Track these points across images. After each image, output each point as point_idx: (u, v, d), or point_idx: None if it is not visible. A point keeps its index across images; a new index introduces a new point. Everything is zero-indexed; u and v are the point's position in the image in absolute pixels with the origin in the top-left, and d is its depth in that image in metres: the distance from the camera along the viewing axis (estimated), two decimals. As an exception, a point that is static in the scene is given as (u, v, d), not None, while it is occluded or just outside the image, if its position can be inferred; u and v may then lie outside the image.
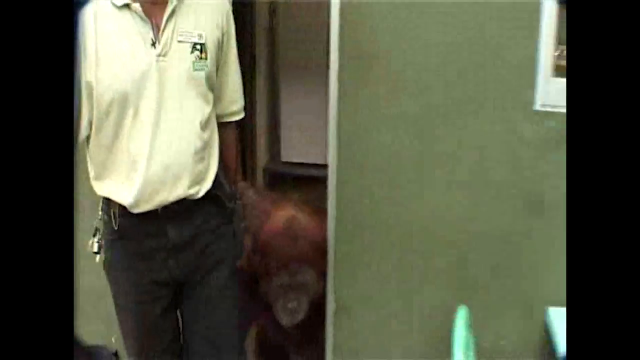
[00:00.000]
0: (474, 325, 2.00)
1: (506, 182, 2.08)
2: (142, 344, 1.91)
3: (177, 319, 1.94)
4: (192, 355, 1.95)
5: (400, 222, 2.17)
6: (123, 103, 1.62)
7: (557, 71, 2.05)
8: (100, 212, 1.80)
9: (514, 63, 2.00)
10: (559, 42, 2.13)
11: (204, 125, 1.74)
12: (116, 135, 1.66)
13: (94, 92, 1.59)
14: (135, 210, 1.70)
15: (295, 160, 4.85)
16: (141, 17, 1.62)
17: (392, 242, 2.19)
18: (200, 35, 1.70)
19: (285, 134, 4.90)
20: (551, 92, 2.02)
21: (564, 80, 2.03)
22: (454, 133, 2.07)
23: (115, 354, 2.49)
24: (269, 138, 4.91)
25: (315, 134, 4.56)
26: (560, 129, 2.00)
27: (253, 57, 4.40)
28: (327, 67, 2.13)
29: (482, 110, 2.03)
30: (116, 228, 1.74)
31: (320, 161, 4.43)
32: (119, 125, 1.65)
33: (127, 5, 1.61)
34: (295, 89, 4.76)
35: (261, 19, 4.57)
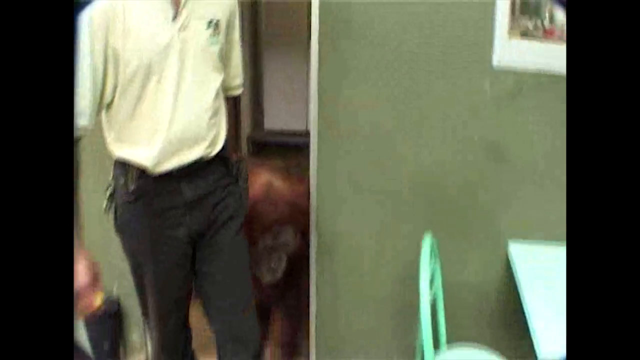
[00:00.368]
0: (441, 259, 2.20)
1: (469, 132, 2.28)
2: (158, 299, 1.97)
3: (191, 275, 2.01)
4: (208, 306, 2.05)
5: (374, 171, 2.37)
6: (147, 70, 1.70)
7: (512, 34, 2.26)
8: (112, 179, 1.87)
9: (473, 26, 2.20)
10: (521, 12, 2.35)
11: (217, 95, 1.86)
12: (140, 100, 1.73)
13: (121, 60, 1.67)
14: (155, 171, 1.78)
15: (277, 128, 4.97)
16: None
17: (367, 187, 2.40)
18: (214, 13, 1.80)
19: (268, 103, 5.01)
20: (507, 52, 2.23)
21: (518, 41, 2.26)
22: (422, 91, 2.26)
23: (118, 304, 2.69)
24: (253, 107, 4.97)
25: (296, 103, 4.73)
26: (515, 84, 2.21)
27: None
28: (309, 37, 2.28)
29: (446, 69, 2.22)
30: (133, 189, 1.80)
31: (301, 128, 4.61)
32: (142, 90, 1.72)
33: None
34: (277, 59, 4.86)
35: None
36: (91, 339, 2.59)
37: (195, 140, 1.81)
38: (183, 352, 2.15)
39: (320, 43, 2.28)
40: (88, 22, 1.58)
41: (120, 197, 1.85)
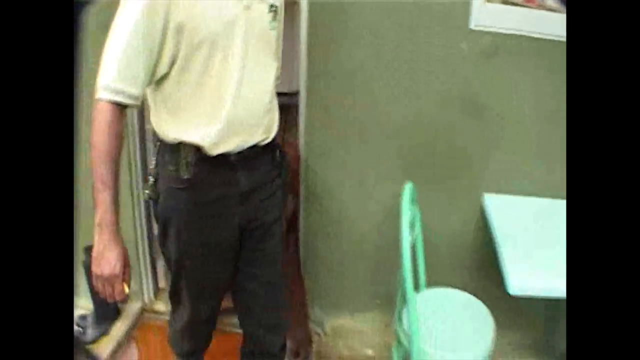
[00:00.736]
0: (420, 207, 2.32)
1: (448, 88, 2.40)
2: (198, 287, 1.95)
3: (233, 268, 1.97)
4: (243, 304, 2.06)
5: (359, 126, 2.50)
6: (213, 44, 1.63)
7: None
8: (155, 166, 1.80)
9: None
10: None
11: (274, 80, 1.84)
12: (203, 73, 1.65)
13: (185, 30, 1.59)
14: (213, 152, 1.71)
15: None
16: None
17: (353, 142, 2.53)
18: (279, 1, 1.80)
19: None
20: (483, 14, 2.35)
21: (494, 5, 2.37)
22: (405, 50, 2.37)
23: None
24: None
25: (285, 65, 4.81)
26: (491, 44, 2.34)
27: None
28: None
29: (427, 31, 2.34)
30: (187, 177, 1.72)
31: (290, 89, 4.74)
32: (206, 65, 1.64)
33: None
34: None
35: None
36: (90, 286, 2.65)
37: (255, 125, 1.76)
38: (206, 338, 2.17)
39: (310, 7, 2.38)
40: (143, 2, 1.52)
41: (166, 183, 1.76)
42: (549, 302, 2.55)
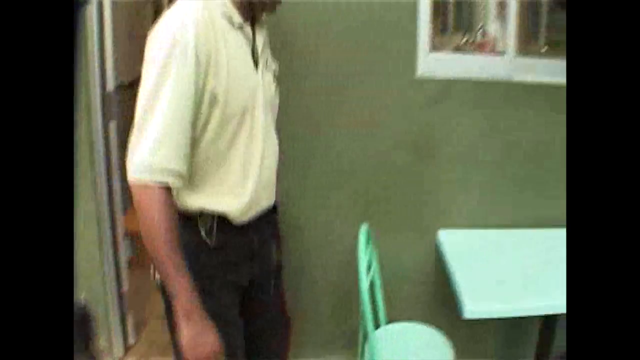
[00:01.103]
0: (378, 247, 2.43)
1: (400, 131, 2.57)
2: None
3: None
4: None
5: (316, 170, 2.61)
6: (242, 114, 1.62)
7: (436, 48, 2.62)
8: None
9: (400, 42, 2.51)
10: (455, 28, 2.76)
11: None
12: (232, 144, 1.62)
13: (218, 102, 1.55)
14: (238, 220, 1.68)
15: None
16: (248, 39, 1.67)
17: (311, 184, 2.64)
18: (275, 69, 1.83)
19: None
20: (429, 63, 2.56)
21: (438, 54, 2.61)
22: (358, 97, 2.53)
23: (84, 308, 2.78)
24: None
25: None
26: (436, 91, 2.54)
27: None
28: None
29: (378, 79, 2.51)
30: (213, 244, 1.66)
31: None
32: (235, 135, 1.62)
33: (241, 27, 1.64)
34: None
35: None
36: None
37: (272, 190, 1.78)
38: None
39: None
40: (184, 62, 1.45)
41: (189, 250, 1.61)
42: (504, 328, 2.68)
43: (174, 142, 1.45)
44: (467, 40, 4.72)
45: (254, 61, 1.67)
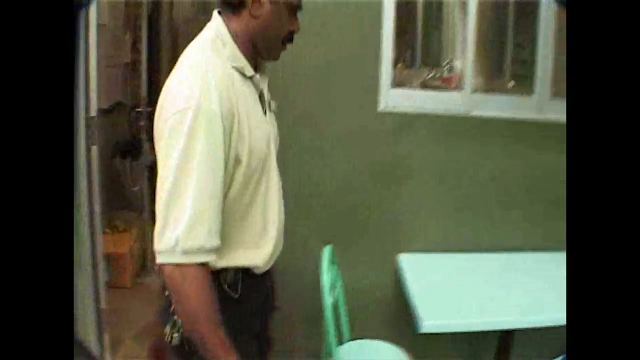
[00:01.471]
0: (344, 265, 2.60)
1: (364, 161, 2.77)
2: None
3: None
4: None
5: (286, 192, 2.68)
6: (261, 169, 1.57)
7: (394, 84, 2.82)
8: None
9: (364, 79, 2.73)
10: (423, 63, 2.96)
11: None
12: (253, 198, 1.57)
13: (242, 162, 1.49)
14: (261, 271, 1.64)
15: None
16: (257, 87, 1.61)
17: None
18: (274, 105, 1.78)
19: None
20: (390, 99, 2.78)
21: (398, 90, 2.84)
22: (325, 129, 2.74)
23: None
24: None
25: None
26: (396, 123, 2.75)
27: (157, 85, 4.54)
28: None
29: (343, 113, 2.72)
30: (237, 296, 1.58)
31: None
32: (256, 189, 1.57)
33: (252, 77, 1.58)
34: None
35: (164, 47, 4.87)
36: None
37: (282, 238, 1.74)
38: None
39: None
40: (212, 131, 1.38)
41: None
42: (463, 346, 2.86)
43: (210, 218, 1.38)
44: (434, 75, 4.95)
45: (262, 108, 1.62)
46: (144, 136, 4.11)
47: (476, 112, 2.87)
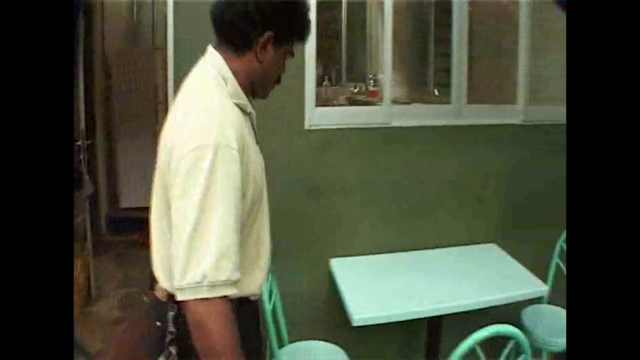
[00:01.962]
0: (280, 274, 2.77)
1: (293, 176, 2.94)
2: None
3: None
4: None
5: None
6: (260, 199, 1.61)
7: (318, 102, 3.01)
8: (173, 330, 1.52)
9: (291, 99, 2.90)
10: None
11: None
12: (251, 227, 1.59)
13: (247, 197, 1.51)
14: (255, 298, 1.66)
15: (133, 205, 5.30)
16: (253, 123, 1.67)
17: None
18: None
19: (123, 183, 5.35)
20: (314, 117, 2.98)
21: (322, 108, 3.04)
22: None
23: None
24: (109, 188, 5.32)
25: (149, 182, 5.14)
26: (322, 139, 2.95)
27: (92, 118, 4.80)
28: (156, 121, 2.71)
29: (274, 131, 2.88)
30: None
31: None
32: (254, 219, 1.60)
33: (250, 113, 1.64)
34: (130, 145, 5.23)
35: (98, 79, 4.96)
36: None
37: None
38: None
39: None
40: (230, 168, 1.40)
41: None
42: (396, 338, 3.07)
43: (234, 252, 1.39)
44: (360, 89, 5.19)
45: (255, 137, 1.66)
46: (84, 168, 4.18)
47: (396, 123, 3.09)
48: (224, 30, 1.58)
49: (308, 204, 2.98)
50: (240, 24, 1.55)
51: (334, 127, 3.00)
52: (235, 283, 1.39)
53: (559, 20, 3.28)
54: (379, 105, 3.17)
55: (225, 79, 1.56)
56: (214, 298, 1.34)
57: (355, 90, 5.28)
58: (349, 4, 5.54)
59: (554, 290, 2.97)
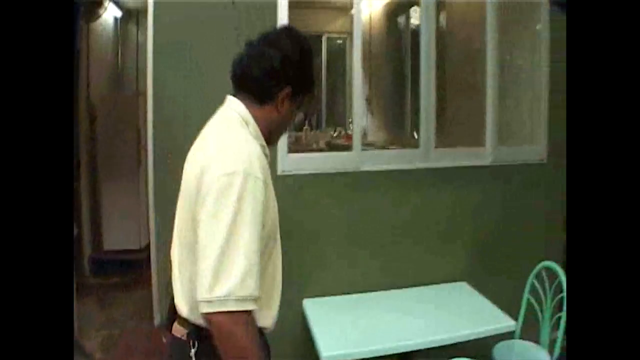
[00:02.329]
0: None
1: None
2: None
3: None
4: None
5: None
6: (275, 237, 1.72)
7: (297, 147, 3.14)
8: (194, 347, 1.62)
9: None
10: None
11: None
12: (267, 263, 1.66)
13: (265, 228, 1.58)
14: (268, 331, 1.75)
15: (116, 247, 5.36)
16: (267, 155, 1.72)
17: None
18: None
19: (106, 226, 5.41)
20: (287, 162, 3.13)
21: (294, 155, 3.18)
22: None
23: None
24: (92, 230, 5.35)
25: (132, 224, 5.24)
26: (293, 185, 3.10)
27: (78, 162, 4.89)
28: (138, 166, 2.84)
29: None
30: None
31: (136, 247, 5.19)
32: (269, 255, 1.68)
33: (268, 156, 1.72)
34: (114, 188, 5.31)
35: (82, 123, 5.00)
36: None
37: None
38: None
39: (154, 172, 2.97)
40: (256, 195, 1.50)
41: None
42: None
43: (256, 272, 1.48)
44: (339, 134, 5.34)
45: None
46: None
47: (366, 167, 3.25)
48: (248, 84, 1.70)
49: (283, 244, 3.04)
50: (264, 79, 1.67)
51: (306, 172, 3.14)
52: (256, 300, 1.48)
53: (526, 60, 3.43)
54: (350, 151, 3.29)
55: (247, 123, 1.67)
56: (239, 311, 1.44)
57: (335, 135, 5.46)
58: (328, 51, 5.73)
59: (525, 325, 3.04)
